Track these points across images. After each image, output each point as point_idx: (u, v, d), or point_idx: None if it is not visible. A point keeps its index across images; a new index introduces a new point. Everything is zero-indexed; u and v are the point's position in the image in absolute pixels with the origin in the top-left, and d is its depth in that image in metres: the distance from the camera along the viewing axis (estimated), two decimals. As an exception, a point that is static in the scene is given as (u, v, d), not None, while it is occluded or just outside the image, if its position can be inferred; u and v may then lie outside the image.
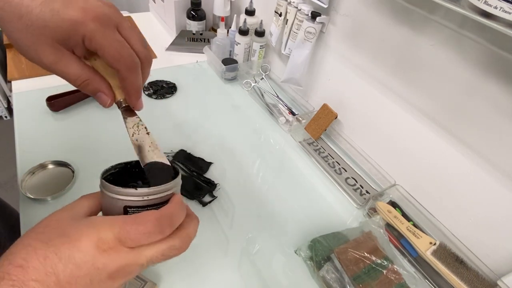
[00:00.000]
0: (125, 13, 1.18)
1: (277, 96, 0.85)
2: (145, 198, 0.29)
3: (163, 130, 0.72)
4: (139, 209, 0.29)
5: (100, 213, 0.30)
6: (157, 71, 0.90)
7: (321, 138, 0.77)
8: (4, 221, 0.69)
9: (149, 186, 0.29)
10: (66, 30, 0.27)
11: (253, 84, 0.88)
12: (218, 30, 0.91)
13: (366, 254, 0.49)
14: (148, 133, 0.34)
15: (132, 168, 0.35)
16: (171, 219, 0.28)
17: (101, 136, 0.68)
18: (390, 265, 0.49)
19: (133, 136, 0.34)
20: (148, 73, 0.34)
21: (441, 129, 0.56)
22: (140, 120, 0.34)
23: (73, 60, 0.29)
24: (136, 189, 0.28)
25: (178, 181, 0.33)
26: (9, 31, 0.27)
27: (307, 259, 0.52)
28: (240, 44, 0.89)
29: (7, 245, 0.26)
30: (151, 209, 0.28)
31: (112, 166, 0.32)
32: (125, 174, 0.34)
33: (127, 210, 0.29)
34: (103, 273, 0.24)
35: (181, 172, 0.34)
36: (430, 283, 0.53)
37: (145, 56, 0.32)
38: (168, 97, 0.82)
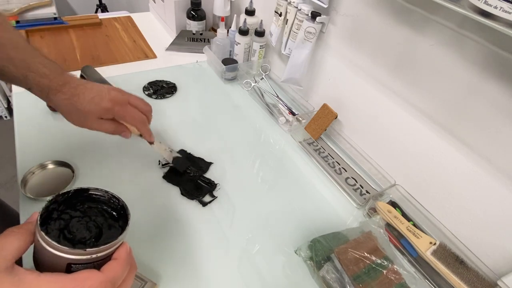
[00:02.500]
0: (125, 13, 1.18)
1: (277, 96, 0.85)
2: (93, 256, 0.28)
3: (163, 130, 0.72)
4: (84, 265, 0.28)
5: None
6: (157, 71, 0.90)
7: (321, 138, 0.77)
8: (4, 222, 0.69)
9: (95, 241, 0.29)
10: (103, 112, 0.47)
11: (253, 84, 0.88)
12: (218, 30, 0.91)
13: (366, 254, 0.49)
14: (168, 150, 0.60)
15: (64, 199, 0.32)
16: (114, 283, 0.28)
17: (101, 136, 0.67)
18: (390, 265, 0.49)
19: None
20: (151, 116, 0.55)
21: (441, 129, 0.56)
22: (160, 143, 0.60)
23: (106, 123, 0.49)
24: (85, 250, 0.27)
25: (127, 230, 0.31)
26: (63, 108, 0.46)
27: (307, 259, 0.52)
28: (240, 44, 0.89)
29: None
30: (96, 265, 0.28)
31: (45, 206, 0.30)
32: (56, 208, 0.31)
33: (70, 266, 0.28)
34: None
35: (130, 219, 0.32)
36: (430, 283, 0.53)
37: (147, 110, 0.53)
38: (168, 97, 0.82)
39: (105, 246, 0.28)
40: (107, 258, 0.29)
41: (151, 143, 0.56)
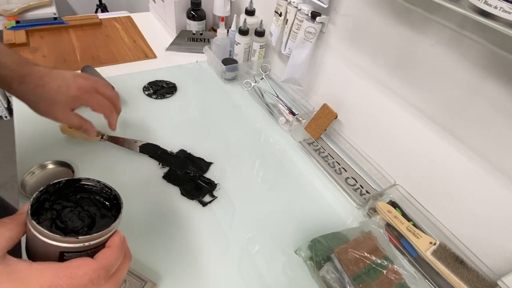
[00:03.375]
0: (125, 13, 1.18)
1: (277, 96, 0.85)
2: (86, 244, 0.27)
3: (163, 130, 0.72)
4: (77, 254, 0.27)
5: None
6: (157, 71, 0.91)
7: (321, 138, 0.77)
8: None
9: (88, 228, 0.28)
10: (70, 101, 0.46)
11: (253, 84, 0.88)
12: (218, 30, 0.91)
13: (366, 254, 0.49)
14: None
15: (56, 189, 0.32)
16: (108, 271, 0.28)
17: (101, 136, 0.68)
18: (390, 265, 0.49)
19: None
20: (120, 104, 0.53)
21: (441, 129, 0.56)
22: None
23: (73, 115, 0.48)
24: (78, 238, 0.27)
25: (120, 219, 0.31)
26: (28, 98, 0.45)
27: (307, 259, 0.52)
28: (240, 44, 0.89)
29: None
30: (89, 253, 0.28)
31: (36, 196, 0.29)
32: (48, 197, 0.31)
33: (63, 255, 0.27)
34: None
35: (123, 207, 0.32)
36: (430, 283, 0.53)
37: (113, 97, 0.51)
38: (168, 97, 0.82)
39: (98, 234, 0.28)
40: (101, 246, 0.29)
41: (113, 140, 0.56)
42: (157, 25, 1.15)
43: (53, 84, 0.45)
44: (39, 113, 0.46)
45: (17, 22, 0.98)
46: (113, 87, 0.54)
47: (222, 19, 0.93)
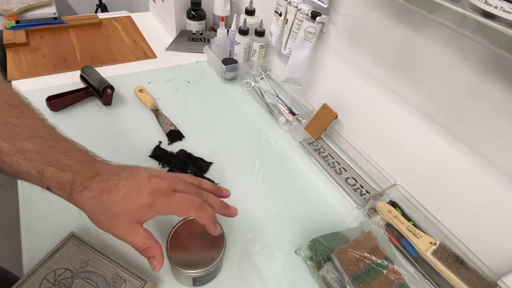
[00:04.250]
0: (125, 13, 1.18)
1: (277, 96, 0.85)
2: None
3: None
4: None
5: None
6: (157, 71, 0.90)
7: (321, 138, 0.77)
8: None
9: None
10: (142, 212, 0.36)
11: (253, 84, 0.88)
12: (218, 30, 0.91)
13: (366, 254, 0.49)
14: None
15: None
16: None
17: (101, 136, 0.68)
18: (390, 265, 0.49)
19: None
20: (222, 194, 0.47)
21: (441, 129, 0.56)
22: None
23: (141, 232, 0.37)
24: None
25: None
26: (87, 207, 0.35)
27: (307, 259, 0.52)
28: (240, 44, 0.89)
29: None
30: None
31: None
32: None
33: None
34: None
35: None
36: (430, 283, 0.53)
37: (213, 190, 0.44)
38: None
39: None
40: None
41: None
42: (157, 25, 1.15)
43: (121, 188, 0.36)
44: (100, 227, 0.36)
45: (17, 22, 0.98)
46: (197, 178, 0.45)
47: (222, 19, 0.93)
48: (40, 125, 0.35)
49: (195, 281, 0.46)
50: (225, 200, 0.47)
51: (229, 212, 0.44)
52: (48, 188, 0.34)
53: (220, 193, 0.46)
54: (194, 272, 0.43)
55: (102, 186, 0.35)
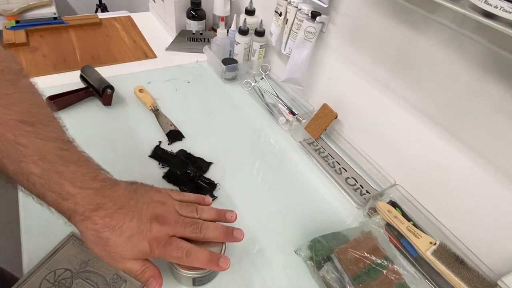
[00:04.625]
0: (125, 13, 1.18)
1: (277, 96, 0.85)
2: None
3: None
4: None
5: None
6: (157, 71, 0.90)
7: (321, 138, 0.77)
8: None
9: None
10: (138, 255, 0.38)
11: (253, 84, 0.88)
12: (218, 30, 0.91)
13: (366, 254, 0.49)
14: None
15: None
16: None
17: (101, 136, 0.68)
18: (390, 265, 0.49)
19: None
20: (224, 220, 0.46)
21: (441, 129, 0.56)
22: None
23: (137, 265, 0.38)
24: None
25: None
26: (87, 236, 0.35)
27: (307, 259, 0.52)
28: (240, 44, 0.89)
29: None
30: None
31: None
32: None
33: None
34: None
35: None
36: (430, 283, 0.53)
37: (198, 229, 0.42)
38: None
39: None
40: None
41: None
42: (157, 25, 1.15)
43: (126, 230, 0.36)
44: (91, 250, 0.36)
45: (17, 22, 0.98)
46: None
47: (222, 19, 0.93)
48: (51, 145, 0.33)
49: (195, 281, 0.46)
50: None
51: (234, 238, 0.43)
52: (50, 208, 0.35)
53: (223, 219, 0.45)
54: (193, 273, 0.43)
55: (106, 221, 0.35)
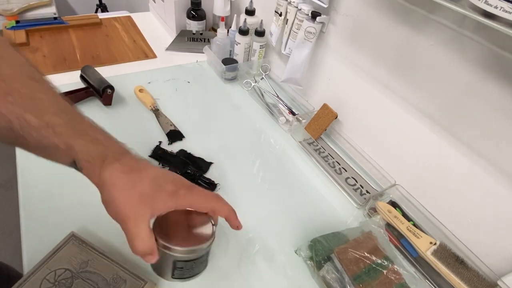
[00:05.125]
0: (125, 13, 1.18)
1: (277, 96, 0.85)
2: None
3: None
4: None
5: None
6: (157, 71, 0.90)
7: (321, 138, 0.77)
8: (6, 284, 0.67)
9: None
10: (164, 200, 0.35)
11: (253, 84, 0.88)
12: (218, 30, 0.91)
13: (366, 254, 0.49)
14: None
15: None
16: None
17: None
18: (390, 265, 0.49)
19: None
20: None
21: (441, 129, 0.56)
22: None
23: (148, 231, 0.34)
24: None
25: None
26: (114, 189, 0.33)
27: (307, 259, 0.52)
28: (240, 44, 0.89)
29: None
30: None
31: None
32: None
33: None
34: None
35: None
36: (430, 283, 0.53)
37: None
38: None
39: None
40: None
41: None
42: (157, 25, 1.15)
43: (151, 171, 0.35)
44: (111, 203, 0.33)
45: (17, 22, 0.98)
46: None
47: (222, 19, 0.93)
48: (63, 101, 0.35)
49: (175, 267, 0.40)
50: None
51: (237, 221, 0.42)
52: (74, 162, 0.33)
53: (232, 219, 0.44)
54: (178, 252, 0.38)
55: (133, 164, 0.35)
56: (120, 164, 0.34)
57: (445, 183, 0.58)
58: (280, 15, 0.77)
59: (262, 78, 0.89)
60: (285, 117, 0.79)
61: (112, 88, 0.73)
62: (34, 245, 0.49)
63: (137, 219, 0.33)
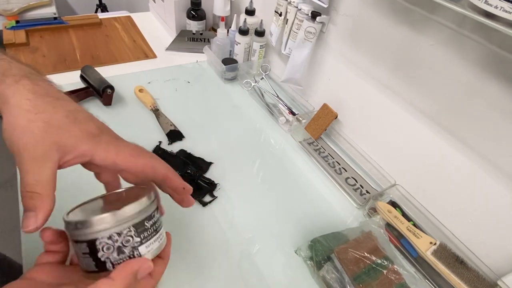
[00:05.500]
0: (125, 13, 1.18)
1: (277, 96, 0.85)
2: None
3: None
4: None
5: None
6: (157, 71, 0.90)
7: (321, 138, 0.77)
8: (7, 275, 0.67)
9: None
10: (81, 142, 0.28)
11: (253, 84, 0.88)
12: (218, 30, 0.91)
13: (366, 254, 0.49)
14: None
15: None
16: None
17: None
18: (390, 265, 0.49)
19: None
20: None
21: (441, 129, 0.56)
22: None
23: (51, 170, 0.26)
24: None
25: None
26: (18, 111, 0.26)
27: (307, 259, 0.52)
28: (240, 44, 0.89)
29: None
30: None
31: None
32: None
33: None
34: None
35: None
36: (430, 283, 0.53)
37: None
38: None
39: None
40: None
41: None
42: (157, 25, 1.15)
43: (71, 104, 0.31)
44: (11, 128, 0.26)
45: (17, 22, 0.98)
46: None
47: (222, 19, 0.93)
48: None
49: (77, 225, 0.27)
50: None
51: (180, 180, 0.35)
52: None
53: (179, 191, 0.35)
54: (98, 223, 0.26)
55: (48, 87, 0.28)
56: (30, 82, 0.27)
57: (445, 183, 0.58)
58: (280, 15, 0.77)
59: (262, 78, 0.89)
60: (285, 117, 0.79)
61: (112, 88, 0.73)
62: (34, 245, 0.49)
63: (36, 150, 0.25)
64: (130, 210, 0.27)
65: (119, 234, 0.26)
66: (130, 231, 0.27)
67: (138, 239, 0.27)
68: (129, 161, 0.31)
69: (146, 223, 0.28)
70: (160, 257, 0.30)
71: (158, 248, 0.30)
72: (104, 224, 0.26)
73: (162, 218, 0.32)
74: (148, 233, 0.28)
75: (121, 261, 0.27)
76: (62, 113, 0.27)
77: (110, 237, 0.26)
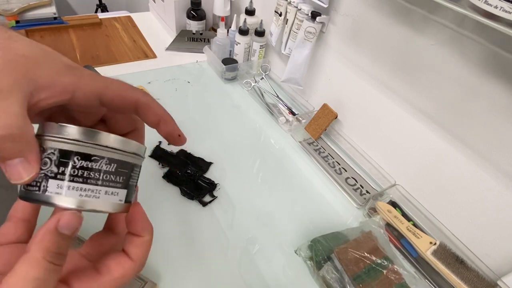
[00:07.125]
0: (125, 13, 1.18)
1: (277, 96, 0.85)
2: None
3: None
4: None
5: None
6: (157, 71, 0.90)
7: (321, 138, 0.77)
8: None
9: None
10: (58, 73, 0.21)
11: (253, 84, 0.88)
12: (218, 30, 0.91)
13: (366, 254, 0.49)
14: None
15: None
16: None
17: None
18: (390, 265, 0.49)
19: None
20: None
21: (441, 129, 0.56)
22: None
23: (20, 105, 0.19)
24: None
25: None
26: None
27: (307, 259, 0.52)
28: (240, 44, 0.89)
29: None
30: None
31: None
32: None
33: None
34: None
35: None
36: (430, 283, 0.53)
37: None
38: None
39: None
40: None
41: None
42: (157, 25, 1.15)
43: (33, 41, 0.22)
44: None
45: (17, 22, 0.98)
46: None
47: (222, 19, 0.93)
48: None
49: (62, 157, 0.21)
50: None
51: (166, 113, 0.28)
52: None
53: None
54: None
55: (6, 29, 0.21)
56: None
57: (445, 183, 0.58)
58: (280, 15, 0.77)
59: (262, 78, 0.89)
60: (285, 117, 0.79)
61: (112, 88, 0.73)
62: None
63: (2, 81, 0.18)
64: (113, 140, 0.22)
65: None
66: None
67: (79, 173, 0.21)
68: (124, 97, 0.26)
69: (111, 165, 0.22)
70: (130, 258, 0.24)
71: (92, 204, 0.22)
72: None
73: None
74: (100, 177, 0.22)
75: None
76: (29, 45, 0.21)
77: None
